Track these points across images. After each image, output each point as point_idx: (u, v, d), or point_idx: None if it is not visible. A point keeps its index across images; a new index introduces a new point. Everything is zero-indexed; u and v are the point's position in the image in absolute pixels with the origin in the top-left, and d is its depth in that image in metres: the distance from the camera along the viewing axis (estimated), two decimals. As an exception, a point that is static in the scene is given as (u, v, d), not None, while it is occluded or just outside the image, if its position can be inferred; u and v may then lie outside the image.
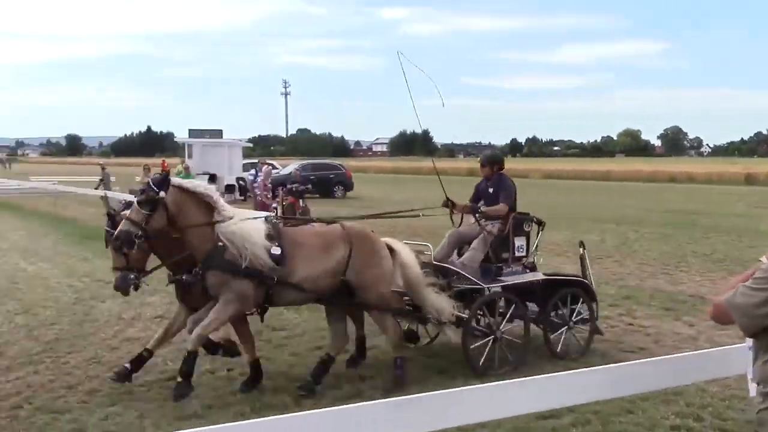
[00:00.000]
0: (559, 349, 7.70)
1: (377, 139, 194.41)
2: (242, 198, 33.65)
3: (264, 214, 7.14)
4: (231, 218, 6.44)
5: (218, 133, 38.73)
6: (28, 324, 9.21)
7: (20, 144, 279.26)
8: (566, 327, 7.77)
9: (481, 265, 7.55)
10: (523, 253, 7.74)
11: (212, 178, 35.53)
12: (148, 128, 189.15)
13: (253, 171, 25.36)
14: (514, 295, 7.55)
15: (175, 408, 6.28)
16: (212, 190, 6.71)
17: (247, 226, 6.46)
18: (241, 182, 34.81)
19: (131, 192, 24.66)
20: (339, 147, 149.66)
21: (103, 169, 27.90)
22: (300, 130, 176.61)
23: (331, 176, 36.91)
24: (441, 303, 7.01)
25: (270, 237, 6.47)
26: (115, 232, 6.38)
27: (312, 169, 36.42)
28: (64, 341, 8.43)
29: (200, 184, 6.89)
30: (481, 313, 7.37)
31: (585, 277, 8.14)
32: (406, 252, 7.11)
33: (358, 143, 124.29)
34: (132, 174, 42.01)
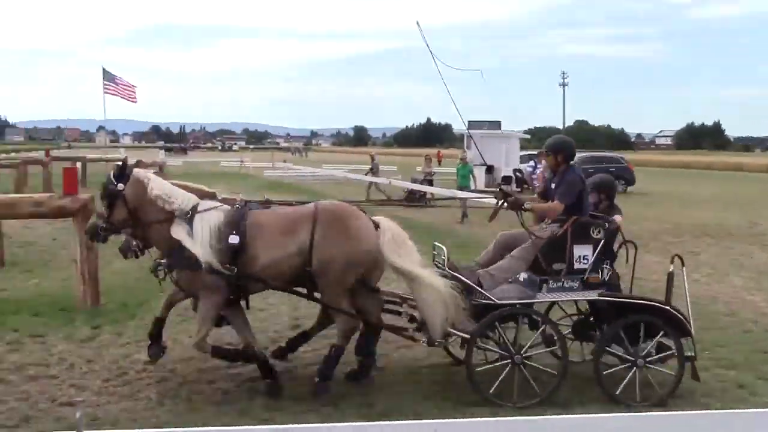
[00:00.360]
0: (613, 389, 6.26)
1: (661, 131, 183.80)
2: (518, 189, 33.63)
3: (215, 204, 6.43)
4: (186, 212, 6.19)
5: (497, 125, 38.97)
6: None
7: (314, 134, 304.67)
8: (632, 364, 6.33)
9: (530, 276, 6.45)
10: (586, 265, 6.37)
11: (489, 170, 35.93)
12: (428, 120, 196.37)
13: (531, 162, 25.16)
14: (545, 314, 6.72)
15: (455, 396, 6.42)
16: (164, 186, 6.36)
17: (197, 225, 6.13)
18: (517, 174, 34.77)
19: (413, 180, 25.79)
20: (618, 139, 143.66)
21: (372, 158, 29.46)
22: (577, 122, 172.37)
23: (612, 169, 35.36)
24: (436, 311, 6.12)
25: (230, 225, 6.14)
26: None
27: (591, 161, 35.28)
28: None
29: (156, 179, 6.47)
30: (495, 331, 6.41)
31: (668, 303, 6.41)
32: (395, 233, 6.40)
33: (639, 136, 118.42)
34: (412, 164, 43.91)
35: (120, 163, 6.53)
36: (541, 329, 6.53)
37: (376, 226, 6.40)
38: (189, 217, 6.17)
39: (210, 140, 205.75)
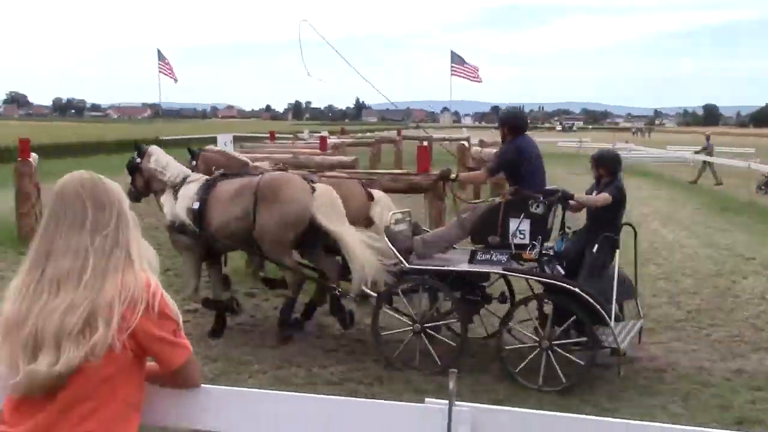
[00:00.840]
0: (515, 369, 6.02)
1: None
2: None
3: (199, 176, 7.39)
4: (177, 184, 7.21)
5: None
6: (669, 290, 9.34)
7: (658, 114, 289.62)
8: (537, 346, 6.05)
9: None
10: (522, 240, 6.10)
11: None
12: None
13: None
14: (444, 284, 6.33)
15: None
16: (160, 160, 7.37)
17: (180, 193, 7.13)
18: None
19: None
20: None
21: (707, 138, 27.26)
22: None
23: None
24: (362, 270, 6.40)
25: (198, 193, 7.02)
26: None
27: None
28: (706, 312, 8.31)
29: (157, 152, 7.50)
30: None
31: (578, 286, 5.86)
32: (331, 198, 6.78)
33: None
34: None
35: (136, 143, 7.92)
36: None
37: (314, 190, 6.86)
38: (178, 188, 7.23)
39: (548, 120, 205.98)
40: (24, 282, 2.13)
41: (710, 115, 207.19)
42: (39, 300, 2.09)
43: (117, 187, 2.29)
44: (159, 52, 39.56)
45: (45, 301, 2.08)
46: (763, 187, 22.08)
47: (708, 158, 25.92)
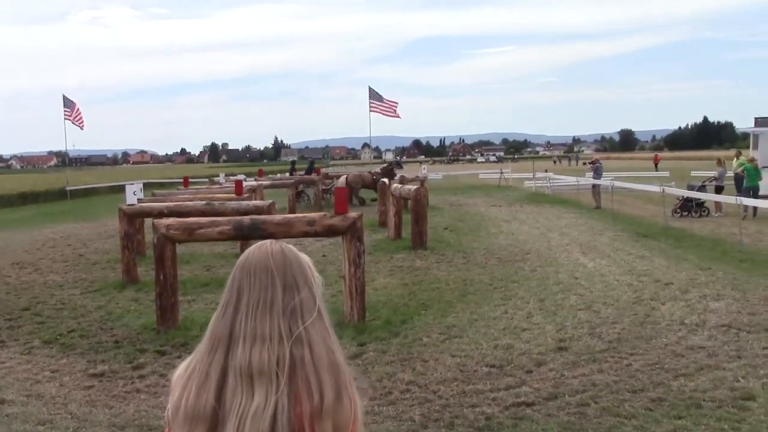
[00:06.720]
0: None
1: None
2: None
3: None
4: None
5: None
6: (590, 321, 9.33)
7: (576, 141, 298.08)
8: None
9: None
10: None
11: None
12: (705, 119, 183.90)
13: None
14: None
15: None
16: None
17: None
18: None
19: (689, 187, 23.83)
20: None
21: (593, 162, 28.61)
22: None
23: None
24: None
25: None
26: None
27: None
28: (626, 342, 8.30)
29: None
30: None
31: None
32: None
33: None
34: (687, 168, 40.91)
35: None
36: None
37: None
38: None
39: (469, 151, 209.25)
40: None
41: (626, 140, 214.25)
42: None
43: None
44: (64, 97, 37.95)
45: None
46: (678, 211, 22.71)
47: (597, 181, 27.34)
